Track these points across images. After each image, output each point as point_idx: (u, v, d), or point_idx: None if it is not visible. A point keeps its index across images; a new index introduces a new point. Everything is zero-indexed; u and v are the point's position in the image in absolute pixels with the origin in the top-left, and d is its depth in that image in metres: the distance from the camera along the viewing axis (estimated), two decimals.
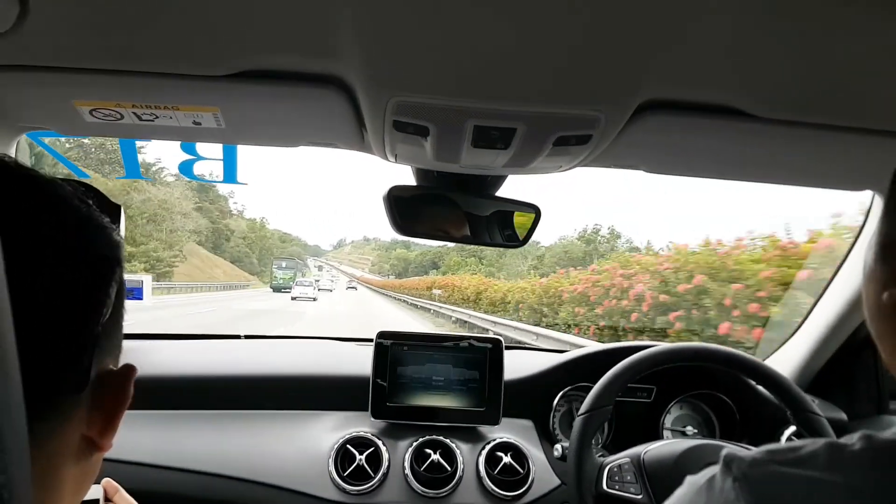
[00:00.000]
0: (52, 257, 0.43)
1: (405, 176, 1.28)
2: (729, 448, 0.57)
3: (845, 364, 1.63)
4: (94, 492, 0.94)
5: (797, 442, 0.56)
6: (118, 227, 0.54)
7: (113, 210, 0.56)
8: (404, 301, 34.24)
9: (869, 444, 0.52)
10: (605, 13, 0.66)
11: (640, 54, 0.74)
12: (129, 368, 0.52)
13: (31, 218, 0.43)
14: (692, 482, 0.59)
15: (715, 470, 0.56)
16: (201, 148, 1.67)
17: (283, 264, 55.61)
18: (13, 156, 1.13)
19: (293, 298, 33.39)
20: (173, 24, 0.74)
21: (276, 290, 47.13)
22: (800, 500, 0.50)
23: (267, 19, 0.73)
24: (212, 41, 0.79)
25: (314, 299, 33.30)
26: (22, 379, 0.34)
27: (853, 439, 0.53)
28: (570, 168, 1.12)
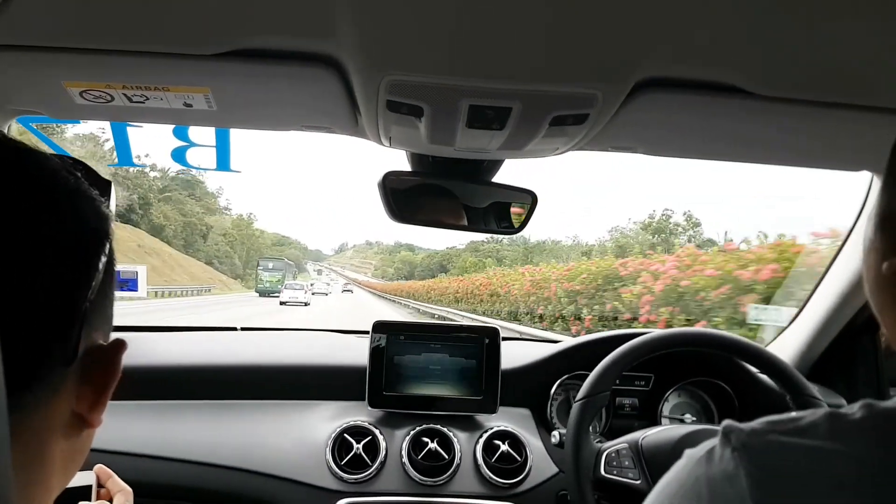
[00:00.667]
0: (40, 228, 0.43)
1: (401, 164, 1.27)
2: (728, 421, 0.56)
3: (845, 350, 1.62)
4: (87, 478, 0.93)
5: (797, 413, 0.55)
6: (107, 200, 0.53)
7: (103, 184, 0.55)
8: (407, 306, 31.80)
9: (869, 412, 0.51)
10: None
11: (639, 30, 0.73)
12: (119, 343, 0.51)
13: (17, 189, 0.43)
14: (691, 455, 0.59)
15: (714, 442, 0.55)
16: (194, 135, 1.66)
17: (270, 265, 49.03)
18: None
19: (282, 303, 30.82)
20: (164, 2, 0.73)
21: (263, 293, 43.06)
22: (800, 468, 0.50)
23: None
24: (203, 19, 0.78)
25: (306, 304, 31.06)
26: (6, 348, 0.33)
27: (854, 408, 0.52)
28: (566, 150, 1.11)
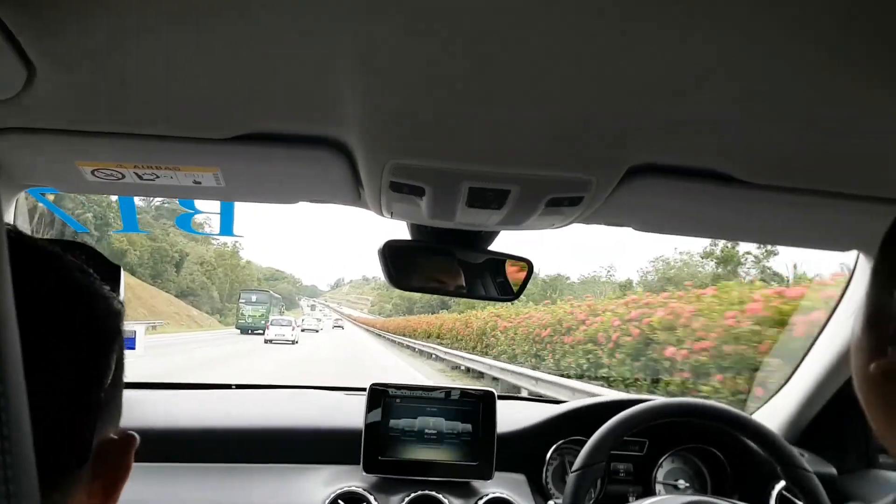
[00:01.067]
0: (54, 334, 0.43)
1: (400, 227, 1.30)
2: None
3: (834, 418, 1.63)
4: None
5: None
6: (118, 290, 0.54)
7: (112, 272, 0.56)
8: (401, 344, 28.93)
9: None
10: (596, 85, 0.68)
11: (630, 123, 0.77)
12: (130, 438, 0.52)
13: (32, 293, 0.42)
14: None
15: None
16: (199, 202, 1.68)
17: (254, 298, 41.41)
18: (13, 212, 1.14)
19: (267, 341, 27.53)
20: (178, 90, 0.76)
21: (245, 330, 37.62)
22: None
23: (270, 86, 0.75)
24: (215, 106, 0.80)
25: (294, 342, 27.70)
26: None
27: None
28: (562, 226, 1.14)
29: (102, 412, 0.47)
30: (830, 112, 0.74)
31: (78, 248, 0.54)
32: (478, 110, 0.75)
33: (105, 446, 0.49)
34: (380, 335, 40.19)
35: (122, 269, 0.62)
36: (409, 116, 0.77)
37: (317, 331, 42.32)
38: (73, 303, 0.46)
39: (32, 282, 0.43)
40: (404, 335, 31.12)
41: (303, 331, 37.15)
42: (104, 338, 0.48)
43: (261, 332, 33.06)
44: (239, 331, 38.88)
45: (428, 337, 25.09)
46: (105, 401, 0.47)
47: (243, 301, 41.18)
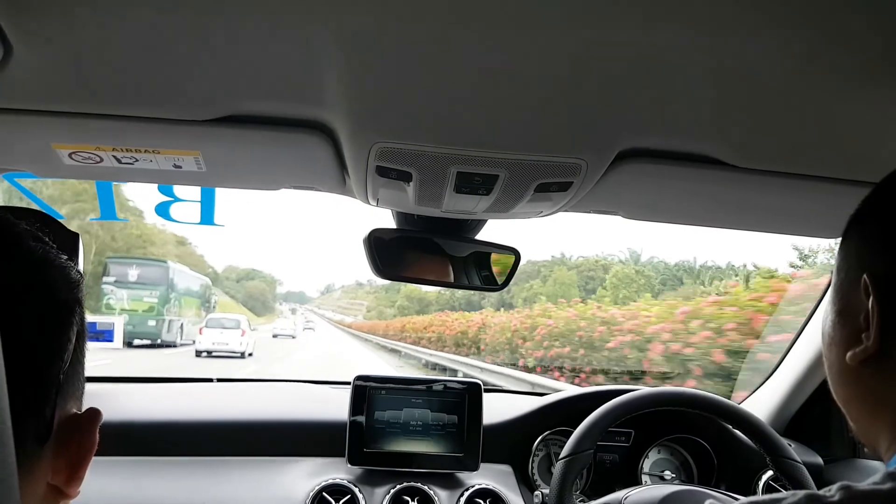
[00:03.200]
0: (8, 307, 0.41)
1: (385, 220, 1.28)
2: (711, 500, 0.57)
3: (820, 408, 1.65)
4: None
5: (777, 494, 0.56)
6: (76, 260, 0.52)
7: (70, 240, 0.54)
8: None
9: (847, 494, 0.53)
10: (587, 66, 0.68)
11: (621, 105, 0.76)
12: (94, 413, 0.50)
13: None
14: None
15: None
16: (179, 190, 1.65)
17: (132, 273, 21.25)
18: None
19: (199, 354, 18.16)
20: (157, 70, 0.74)
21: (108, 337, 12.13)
22: None
23: (252, 65, 0.73)
24: (196, 86, 0.78)
25: (243, 355, 18.39)
26: None
27: (832, 490, 0.54)
28: (550, 213, 1.13)
29: (63, 388, 0.45)
30: (819, 96, 0.74)
31: (32, 216, 0.51)
32: (466, 92, 0.74)
33: (68, 422, 0.47)
34: (361, 338, 36.26)
35: (80, 238, 0.59)
36: (395, 98, 0.76)
37: (293, 336, 36.00)
38: (25, 274, 0.44)
39: None
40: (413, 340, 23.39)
41: (274, 336, 33.30)
42: (62, 307, 0.46)
43: (152, 339, 20.26)
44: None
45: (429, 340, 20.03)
46: (66, 377, 0.46)
47: (110, 281, 20.63)
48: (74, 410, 0.49)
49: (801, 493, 0.54)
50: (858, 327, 0.57)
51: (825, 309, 0.62)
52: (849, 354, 0.57)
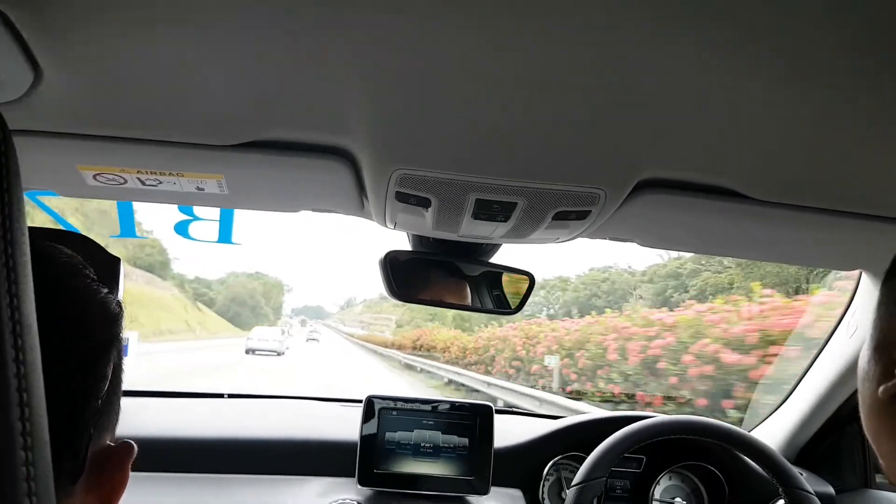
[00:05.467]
0: (45, 347, 0.39)
1: (402, 238, 1.29)
2: None
3: (832, 438, 1.64)
4: None
5: None
6: (116, 288, 0.51)
7: (110, 266, 0.52)
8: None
9: None
10: (608, 96, 0.68)
11: (641, 136, 0.76)
12: (128, 447, 0.50)
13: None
14: None
15: None
16: (198, 208, 1.66)
17: None
18: None
19: None
20: (184, 96, 0.75)
21: None
22: None
23: (277, 93, 0.74)
24: (222, 113, 0.79)
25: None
26: None
27: None
28: (566, 240, 1.14)
29: (98, 422, 0.45)
30: (840, 131, 0.74)
31: (72, 240, 0.50)
32: (487, 120, 0.74)
33: (101, 456, 0.47)
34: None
35: (121, 263, 0.56)
36: (416, 126, 0.76)
37: (278, 352, 26.74)
38: (64, 313, 0.43)
39: None
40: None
41: (248, 352, 25.62)
42: (99, 346, 0.45)
43: None
44: None
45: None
46: (101, 411, 0.45)
47: None
48: (109, 442, 0.49)
49: None
50: (892, 362, 0.57)
51: (860, 344, 0.62)
52: (881, 389, 0.57)
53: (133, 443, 0.50)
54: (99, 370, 0.45)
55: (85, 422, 0.43)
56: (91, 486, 0.46)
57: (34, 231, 0.44)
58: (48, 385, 0.38)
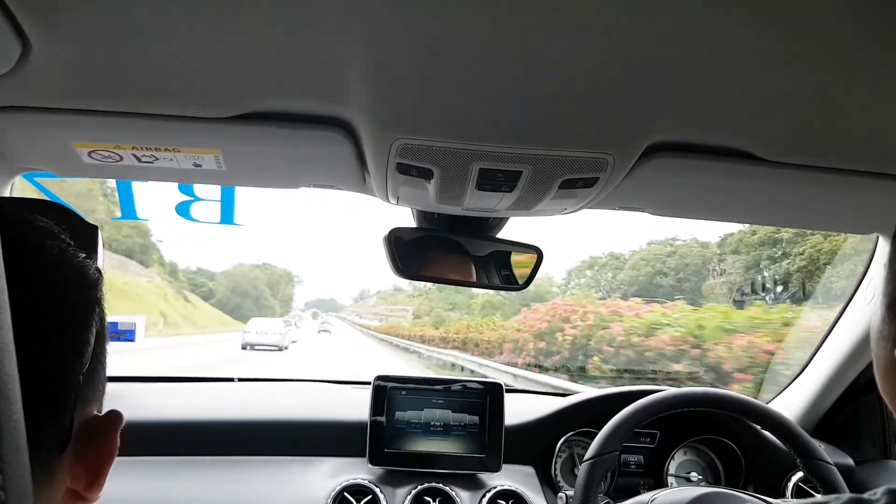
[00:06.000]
0: (23, 311, 0.37)
1: (405, 218, 1.26)
2: (743, 501, 0.56)
3: (850, 408, 1.61)
4: None
5: (821, 497, 0.55)
6: (95, 255, 0.49)
7: (88, 234, 0.51)
8: None
9: (893, 499, 0.51)
10: (615, 57, 0.66)
11: (650, 98, 0.74)
12: (116, 416, 0.48)
13: None
14: None
15: None
16: (199, 189, 1.65)
17: None
18: (7, 195, 1.11)
19: None
20: (178, 67, 0.73)
21: None
22: None
23: (274, 63, 0.72)
24: (217, 84, 0.78)
25: None
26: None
27: (877, 494, 0.52)
28: (574, 210, 1.11)
29: (83, 391, 0.43)
30: (855, 88, 0.71)
31: (49, 210, 0.49)
32: (489, 85, 0.72)
33: (88, 426, 0.46)
34: None
35: (99, 231, 0.56)
36: (416, 93, 0.74)
37: (280, 347, 22.72)
38: (40, 275, 0.42)
39: None
40: None
41: (244, 348, 22.08)
42: (79, 312, 0.44)
43: None
44: None
45: None
46: (85, 379, 0.44)
47: None
48: (95, 412, 0.48)
49: (844, 496, 0.53)
50: None
51: (874, 303, 0.60)
52: None
53: (120, 412, 0.48)
54: (81, 335, 0.44)
55: (69, 390, 0.42)
56: (79, 455, 0.45)
57: (11, 201, 0.43)
58: (28, 354, 0.36)
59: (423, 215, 1.24)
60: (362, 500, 1.40)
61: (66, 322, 0.43)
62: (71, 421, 0.42)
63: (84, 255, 0.46)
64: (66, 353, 0.42)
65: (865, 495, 0.53)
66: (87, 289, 0.45)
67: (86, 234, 0.49)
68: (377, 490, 1.43)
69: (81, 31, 0.66)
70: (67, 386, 0.42)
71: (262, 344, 22.68)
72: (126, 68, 0.74)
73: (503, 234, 1.29)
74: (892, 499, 0.51)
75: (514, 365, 12.03)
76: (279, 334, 23.71)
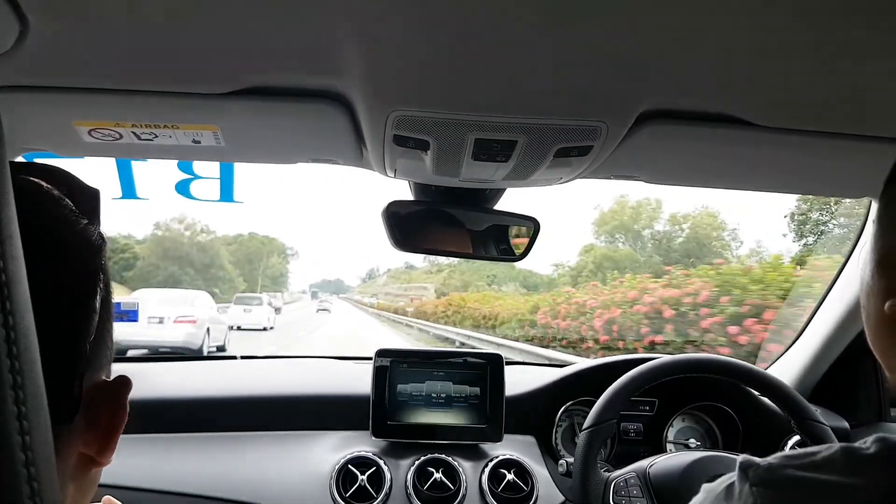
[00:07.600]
0: (29, 280, 0.36)
1: (403, 192, 1.28)
2: (744, 456, 0.57)
3: (846, 372, 1.63)
4: None
5: (812, 447, 0.56)
6: (97, 220, 0.48)
7: (90, 198, 0.49)
8: None
9: (883, 445, 0.52)
10: (607, 24, 0.66)
11: (642, 65, 0.74)
12: (124, 381, 0.48)
13: None
14: (710, 489, 0.59)
15: (732, 477, 0.56)
16: (198, 167, 1.65)
17: None
18: None
19: None
20: (174, 43, 0.74)
21: None
22: (818, 503, 0.51)
23: (268, 37, 0.72)
24: (213, 59, 0.78)
25: None
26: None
27: (867, 442, 0.54)
28: (569, 180, 1.12)
29: (91, 359, 0.44)
30: (845, 49, 0.71)
31: (49, 174, 0.47)
32: (482, 56, 0.72)
33: (97, 391, 0.46)
34: None
35: (100, 195, 0.53)
36: (410, 64, 0.75)
37: (266, 328, 18.95)
38: (42, 240, 0.41)
39: None
40: None
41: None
42: (83, 277, 0.44)
43: None
44: None
45: None
46: (93, 347, 0.44)
47: None
48: (104, 377, 0.48)
49: (836, 445, 0.54)
50: None
51: (863, 259, 0.61)
52: (888, 304, 0.56)
53: (128, 377, 0.49)
54: (86, 301, 0.44)
55: (77, 357, 0.42)
56: (89, 421, 0.45)
57: (13, 165, 0.42)
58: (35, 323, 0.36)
59: (420, 188, 1.25)
60: (366, 472, 1.43)
61: (71, 288, 0.43)
62: (80, 387, 0.43)
63: (86, 220, 0.46)
64: (73, 321, 0.42)
65: (856, 444, 0.54)
66: (93, 255, 0.45)
67: (88, 199, 0.48)
68: (381, 462, 1.45)
69: (79, 10, 0.66)
70: (76, 354, 0.42)
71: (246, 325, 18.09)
72: (123, 46, 0.75)
73: (499, 207, 1.30)
74: (882, 446, 0.52)
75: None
76: (267, 312, 18.56)
